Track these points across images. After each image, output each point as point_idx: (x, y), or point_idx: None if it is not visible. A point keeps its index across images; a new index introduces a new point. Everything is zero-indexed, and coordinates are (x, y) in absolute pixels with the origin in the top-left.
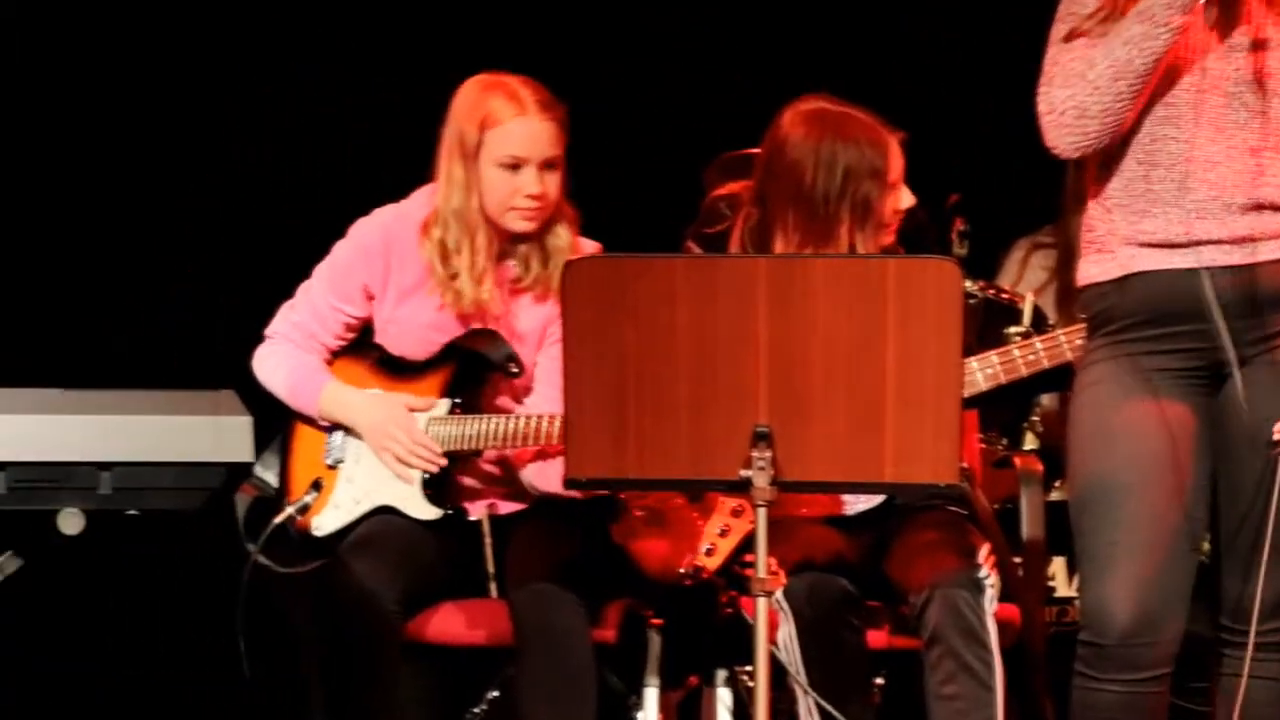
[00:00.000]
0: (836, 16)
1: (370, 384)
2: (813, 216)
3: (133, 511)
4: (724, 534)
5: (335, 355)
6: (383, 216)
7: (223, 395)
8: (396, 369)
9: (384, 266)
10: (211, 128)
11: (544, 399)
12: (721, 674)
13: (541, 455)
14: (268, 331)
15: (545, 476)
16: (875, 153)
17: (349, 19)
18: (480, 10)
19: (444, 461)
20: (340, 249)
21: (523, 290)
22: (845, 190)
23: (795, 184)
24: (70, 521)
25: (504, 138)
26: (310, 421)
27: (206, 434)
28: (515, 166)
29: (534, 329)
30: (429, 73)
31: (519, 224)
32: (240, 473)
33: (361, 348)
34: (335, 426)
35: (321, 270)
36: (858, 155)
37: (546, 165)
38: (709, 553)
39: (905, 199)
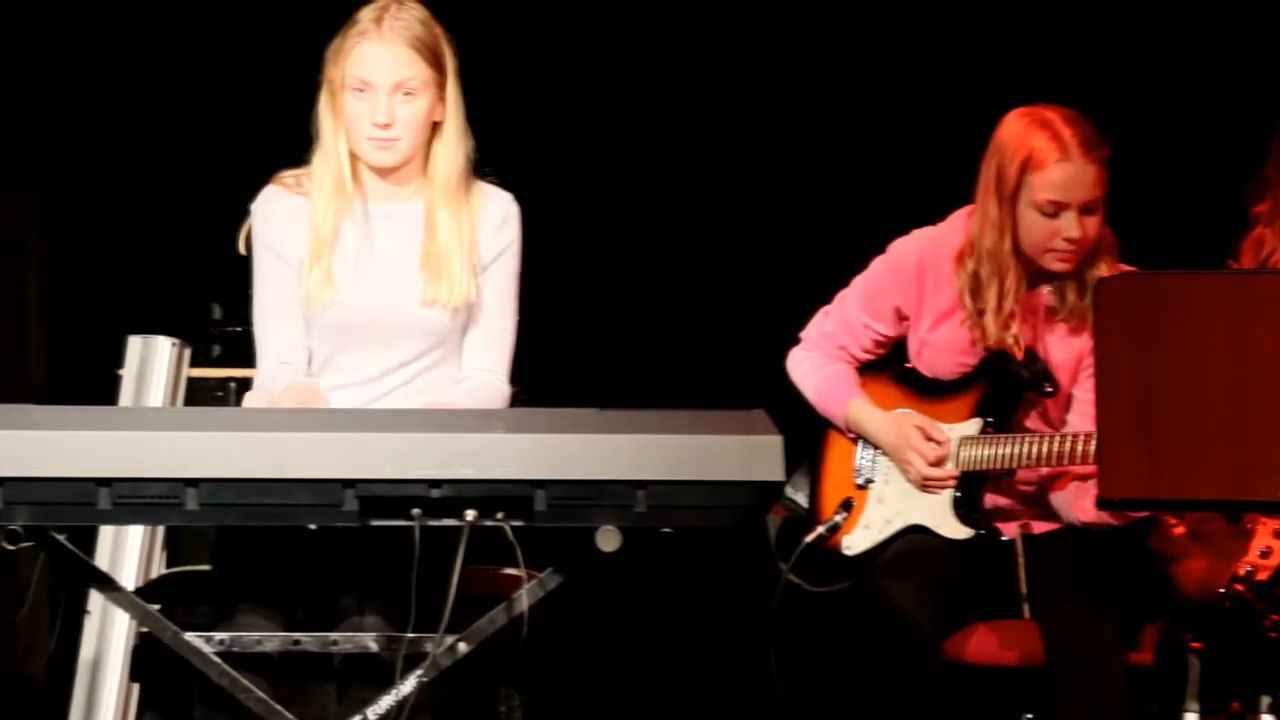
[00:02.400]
0: None
1: (900, 404)
2: None
3: (667, 529)
4: (1266, 556)
5: (867, 372)
6: (919, 239)
7: (754, 415)
8: (927, 389)
9: (917, 290)
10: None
11: (1077, 429)
12: (1265, 700)
13: (1075, 482)
14: (802, 335)
15: (1081, 505)
16: None
17: None
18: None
19: (951, 483)
20: (876, 266)
21: (1058, 320)
22: None
23: None
24: (608, 538)
25: (1044, 182)
26: (837, 428)
27: (738, 453)
28: (1055, 211)
29: (1068, 359)
30: None
31: (1056, 265)
32: (771, 491)
33: (893, 367)
34: (864, 446)
35: (857, 284)
36: None
37: (1086, 208)
38: (1251, 575)
39: None
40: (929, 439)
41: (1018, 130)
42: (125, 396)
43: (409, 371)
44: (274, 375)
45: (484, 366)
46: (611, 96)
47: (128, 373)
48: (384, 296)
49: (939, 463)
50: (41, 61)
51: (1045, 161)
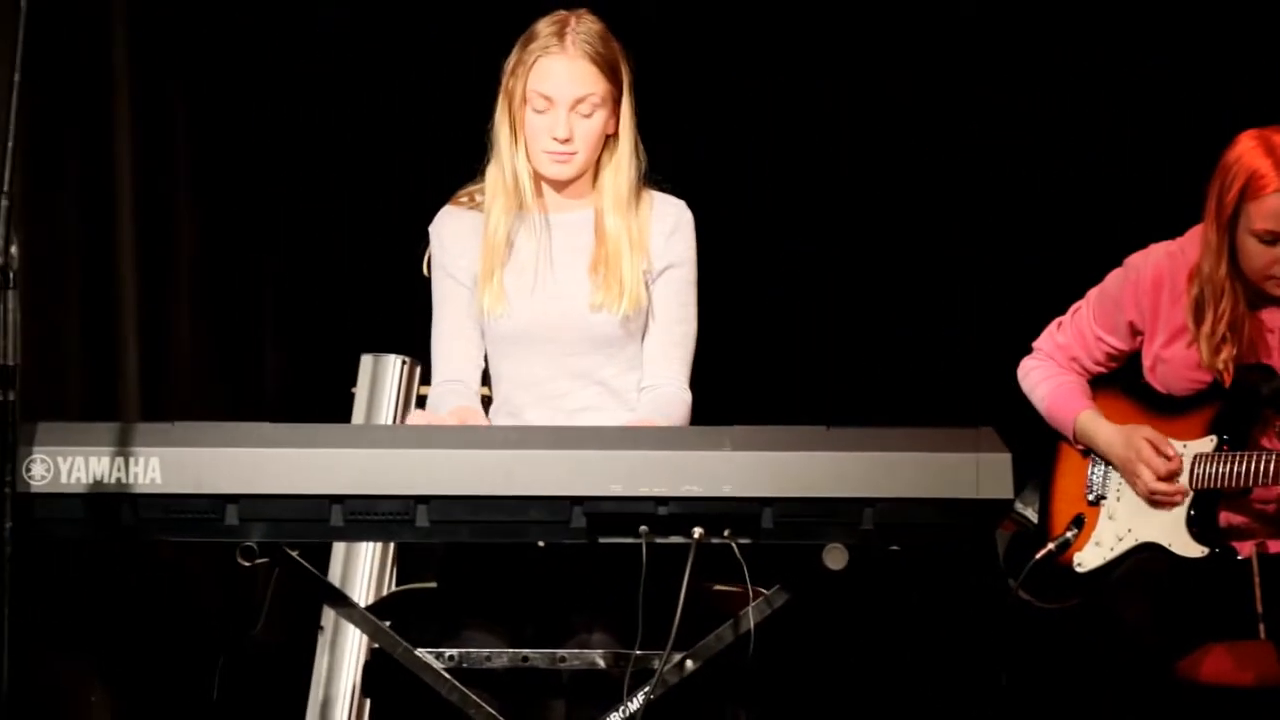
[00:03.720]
0: None
1: (1132, 418)
2: None
3: (894, 547)
4: None
5: (1099, 385)
6: (1156, 254)
7: (982, 433)
8: (1161, 405)
9: (1152, 305)
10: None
11: None
12: None
13: None
14: (1035, 345)
15: None
16: None
17: None
18: None
19: (1179, 498)
20: (1112, 280)
21: None
22: None
23: None
24: (835, 556)
25: (1262, 211)
26: (1067, 441)
27: (967, 471)
28: (1273, 239)
29: None
30: None
31: (1277, 290)
32: (999, 509)
33: (1126, 381)
34: (1095, 462)
35: (1092, 297)
36: None
37: None
38: None
39: None
40: (1159, 453)
41: (1241, 153)
42: (357, 414)
43: (594, 380)
44: (444, 393)
45: (663, 375)
46: None
47: (360, 391)
48: (554, 303)
49: (1169, 477)
50: (273, 81)
51: (1264, 189)
